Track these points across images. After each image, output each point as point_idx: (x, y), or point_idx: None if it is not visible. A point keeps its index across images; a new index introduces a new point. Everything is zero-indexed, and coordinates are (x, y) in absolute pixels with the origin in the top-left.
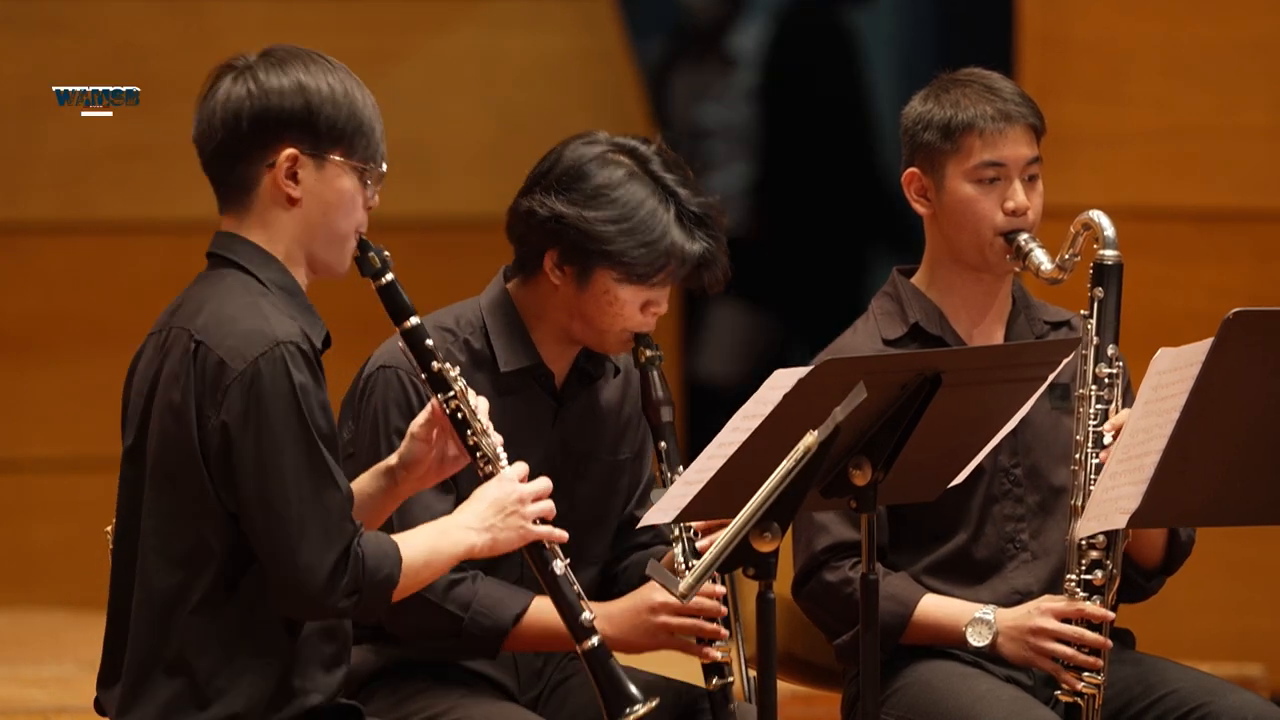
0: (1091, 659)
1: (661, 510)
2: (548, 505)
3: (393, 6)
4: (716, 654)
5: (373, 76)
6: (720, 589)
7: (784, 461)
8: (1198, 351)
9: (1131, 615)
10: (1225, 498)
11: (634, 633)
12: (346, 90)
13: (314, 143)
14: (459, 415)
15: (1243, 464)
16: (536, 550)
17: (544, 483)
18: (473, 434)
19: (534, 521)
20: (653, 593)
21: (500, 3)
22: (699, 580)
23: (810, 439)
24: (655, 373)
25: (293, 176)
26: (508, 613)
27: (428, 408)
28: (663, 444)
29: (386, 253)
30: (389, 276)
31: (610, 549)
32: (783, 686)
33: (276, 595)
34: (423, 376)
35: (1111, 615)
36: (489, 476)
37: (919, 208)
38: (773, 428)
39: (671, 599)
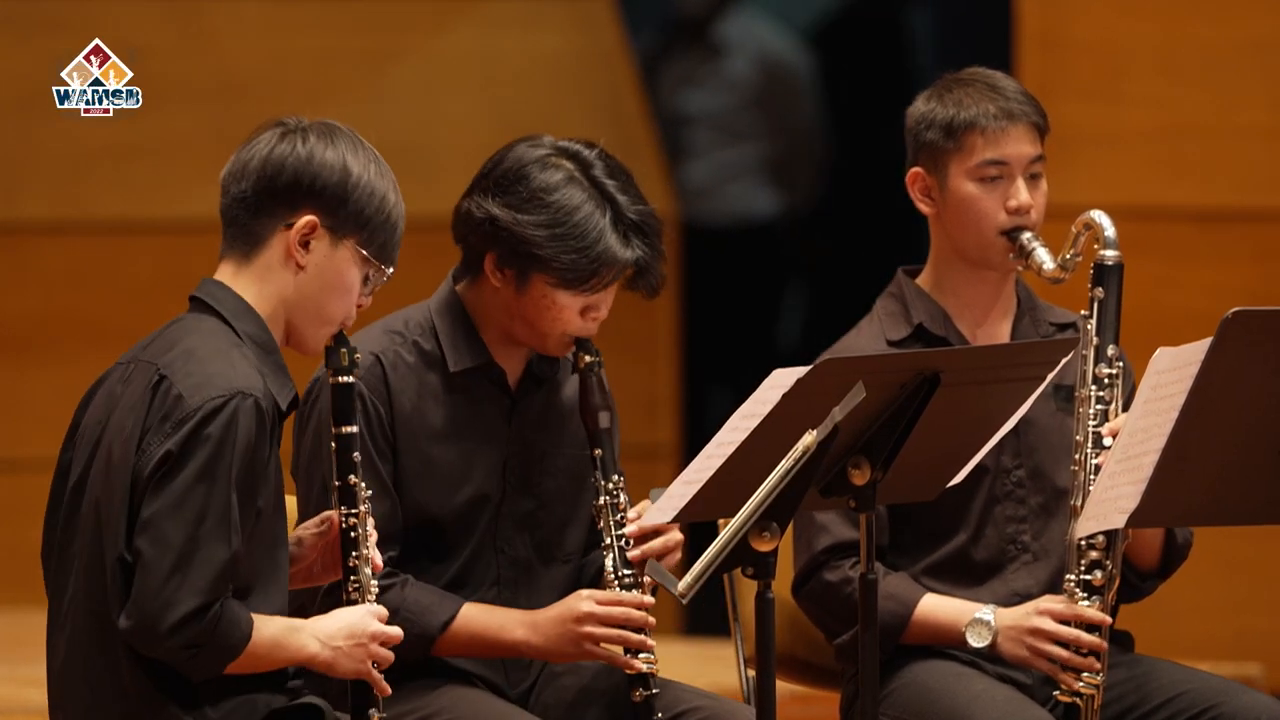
0: (1089, 660)
1: (661, 510)
2: (388, 654)
3: (391, 6)
4: (642, 665)
5: (371, 76)
6: (649, 599)
7: (783, 461)
8: (1196, 351)
9: (1130, 616)
10: (1224, 497)
11: (559, 642)
12: (384, 185)
13: (336, 220)
14: (353, 534)
15: (1241, 463)
16: (362, 688)
17: (397, 631)
18: (357, 557)
19: (373, 664)
20: (579, 602)
21: (498, 2)
22: (697, 581)
23: (809, 438)
24: (594, 378)
25: (305, 244)
26: (435, 620)
27: (321, 516)
28: (598, 451)
29: (359, 355)
30: (349, 379)
31: (585, 545)
32: (781, 686)
33: (127, 614)
34: (336, 484)
35: (1109, 620)
36: (350, 603)
37: (923, 207)
38: (772, 427)
39: (598, 609)
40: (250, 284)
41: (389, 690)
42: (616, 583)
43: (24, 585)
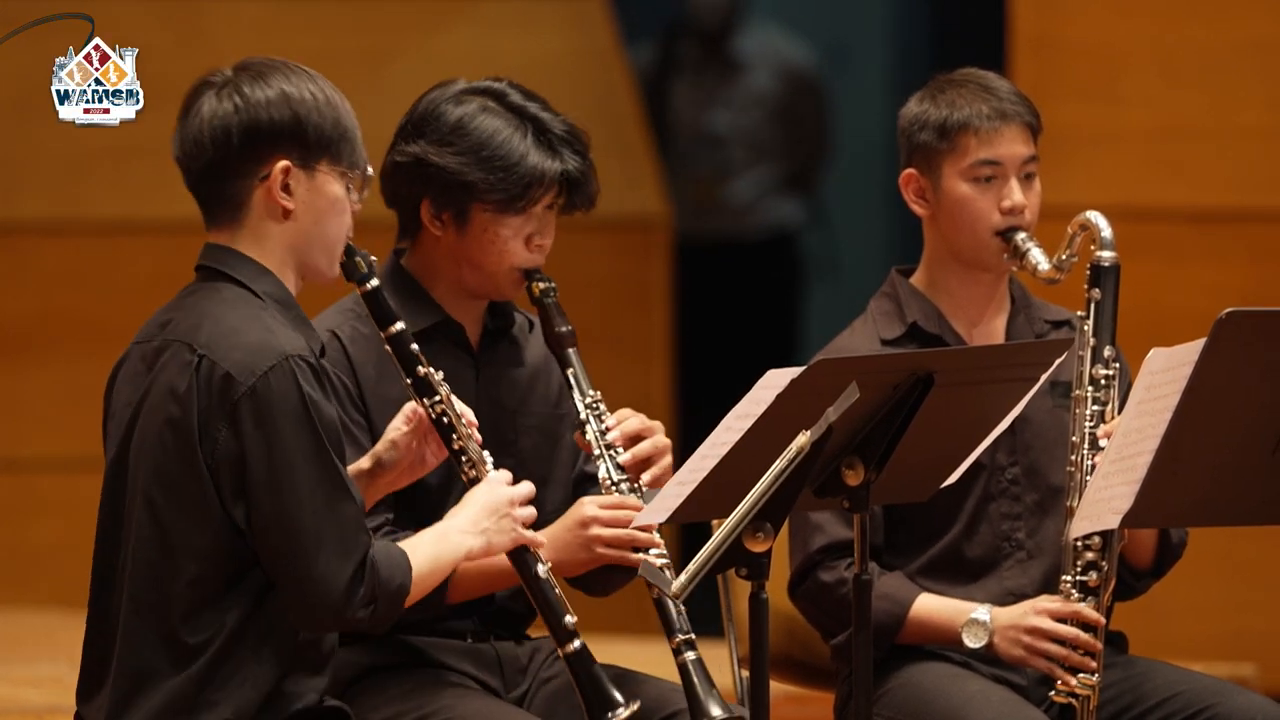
0: (1085, 659)
1: (655, 511)
2: (532, 511)
3: (387, 6)
4: (655, 560)
5: (367, 76)
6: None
7: (777, 461)
8: (1190, 352)
9: (1125, 616)
10: (1218, 498)
11: (570, 549)
12: (329, 98)
13: (304, 153)
14: (444, 420)
15: (1235, 464)
16: (522, 553)
17: (528, 487)
18: (458, 438)
19: (521, 525)
20: (582, 508)
21: (494, 3)
22: (692, 581)
23: (803, 439)
24: (552, 303)
25: (286, 188)
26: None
27: (404, 412)
28: (570, 370)
29: (373, 258)
30: (374, 282)
31: (568, 504)
32: (775, 687)
33: (294, 608)
34: (408, 381)
35: (1103, 620)
36: (473, 480)
37: (916, 208)
38: (766, 428)
39: (602, 512)
40: (251, 244)
41: (544, 541)
42: (615, 489)
43: (22, 585)
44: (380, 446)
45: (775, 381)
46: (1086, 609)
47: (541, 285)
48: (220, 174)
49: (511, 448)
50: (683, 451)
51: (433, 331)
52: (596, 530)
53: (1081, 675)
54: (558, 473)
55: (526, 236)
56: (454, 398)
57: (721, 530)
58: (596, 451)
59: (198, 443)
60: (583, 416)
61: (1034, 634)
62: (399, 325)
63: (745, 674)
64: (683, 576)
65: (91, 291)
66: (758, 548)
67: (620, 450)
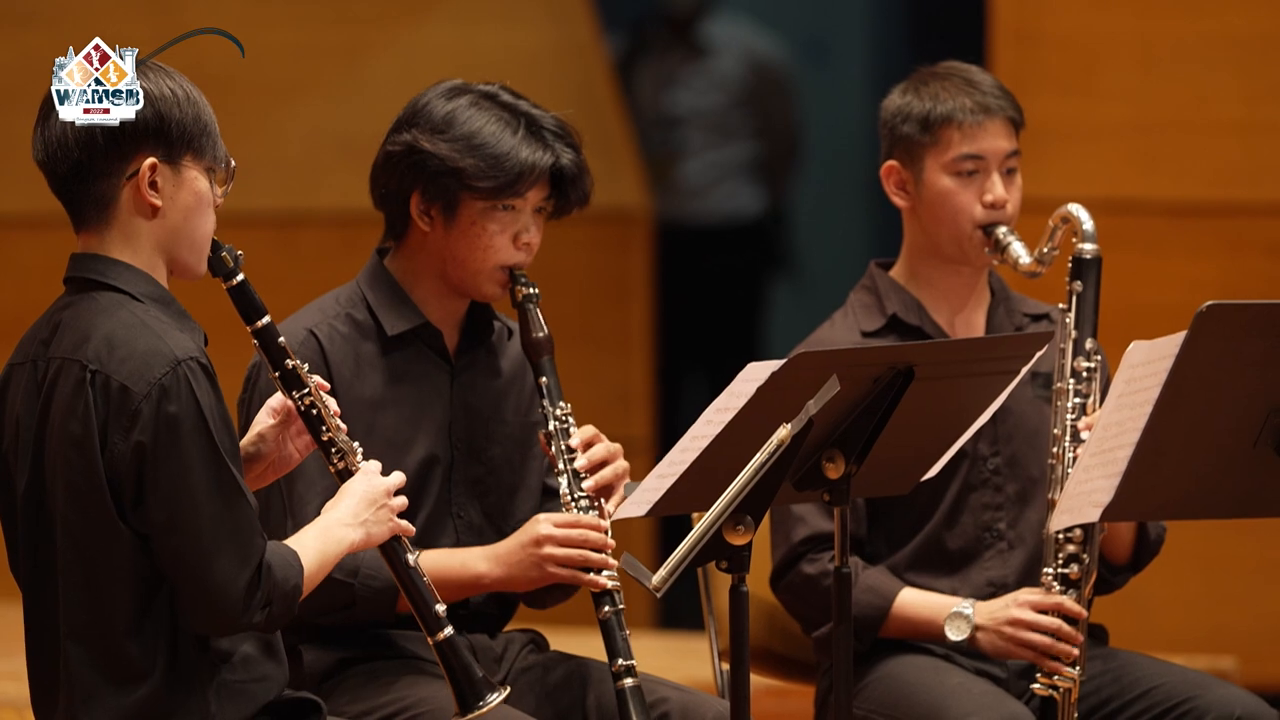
0: (1067, 648)
1: (635, 503)
2: (404, 500)
3: (366, 0)
4: (605, 582)
5: (346, 69)
6: (604, 523)
7: (757, 455)
8: (1171, 345)
9: (1105, 609)
10: (1198, 491)
11: (521, 567)
12: (188, 94)
13: (169, 149)
14: (314, 411)
15: (1216, 457)
16: (395, 543)
17: (399, 476)
18: (327, 430)
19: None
20: (536, 526)
21: None
22: (672, 574)
23: (783, 432)
24: (533, 308)
25: (153, 185)
26: None
27: (268, 406)
28: (543, 379)
29: (240, 253)
30: (240, 277)
31: (537, 512)
32: (755, 680)
33: (191, 613)
34: (275, 374)
35: (1085, 613)
36: (342, 473)
37: (898, 201)
38: (746, 421)
39: (556, 531)
40: (120, 245)
41: (413, 529)
42: (574, 505)
43: (6, 575)
44: (247, 440)
45: (755, 374)
46: (1068, 601)
47: (525, 290)
48: (87, 175)
49: (483, 455)
50: (662, 445)
51: (411, 336)
52: (549, 549)
53: (1064, 667)
54: (529, 480)
55: (514, 234)
56: (323, 392)
57: (702, 523)
58: (560, 466)
59: (99, 457)
60: (550, 428)
61: (1016, 625)
62: (266, 319)
63: (725, 667)
64: (663, 570)
65: None
66: (738, 541)
67: (585, 474)
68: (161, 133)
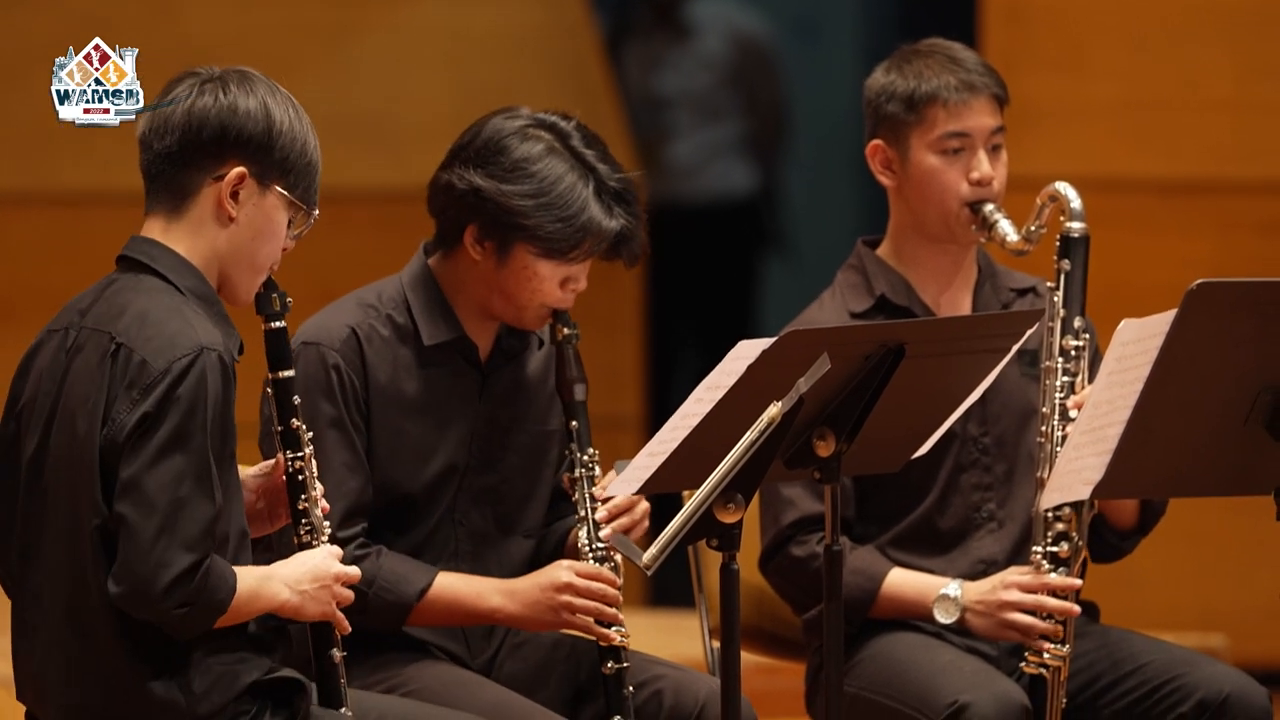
0: (1056, 628)
1: (626, 481)
2: (350, 594)
3: None
4: (616, 638)
5: (336, 49)
6: (619, 580)
7: (748, 433)
8: (1161, 323)
9: (1096, 586)
10: (1189, 469)
11: (536, 609)
12: (303, 129)
13: (264, 168)
14: (300, 477)
15: (1206, 435)
16: (323, 629)
17: (356, 572)
18: (305, 500)
19: (335, 604)
20: (559, 572)
21: None
22: (663, 552)
23: (774, 410)
24: (570, 350)
25: (234, 195)
26: (412, 588)
27: (269, 462)
28: (574, 422)
29: (289, 299)
30: (281, 324)
31: (545, 520)
32: (746, 658)
33: (116, 579)
34: (278, 429)
35: (1077, 583)
36: (303, 545)
37: (883, 180)
38: (737, 399)
39: (578, 581)
40: (183, 238)
41: (349, 628)
42: (591, 555)
43: None
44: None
45: (746, 353)
46: (1056, 578)
47: (565, 331)
48: (179, 160)
49: (498, 464)
50: (652, 424)
51: (447, 347)
52: (568, 598)
53: (1053, 646)
54: (540, 490)
55: (563, 279)
56: (314, 462)
57: (692, 501)
58: (581, 514)
59: (98, 429)
60: (576, 474)
61: (1004, 607)
62: (290, 373)
63: (716, 645)
64: (653, 548)
65: (58, 263)
66: (729, 519)
67: (600, 524)
68: (264, 149)
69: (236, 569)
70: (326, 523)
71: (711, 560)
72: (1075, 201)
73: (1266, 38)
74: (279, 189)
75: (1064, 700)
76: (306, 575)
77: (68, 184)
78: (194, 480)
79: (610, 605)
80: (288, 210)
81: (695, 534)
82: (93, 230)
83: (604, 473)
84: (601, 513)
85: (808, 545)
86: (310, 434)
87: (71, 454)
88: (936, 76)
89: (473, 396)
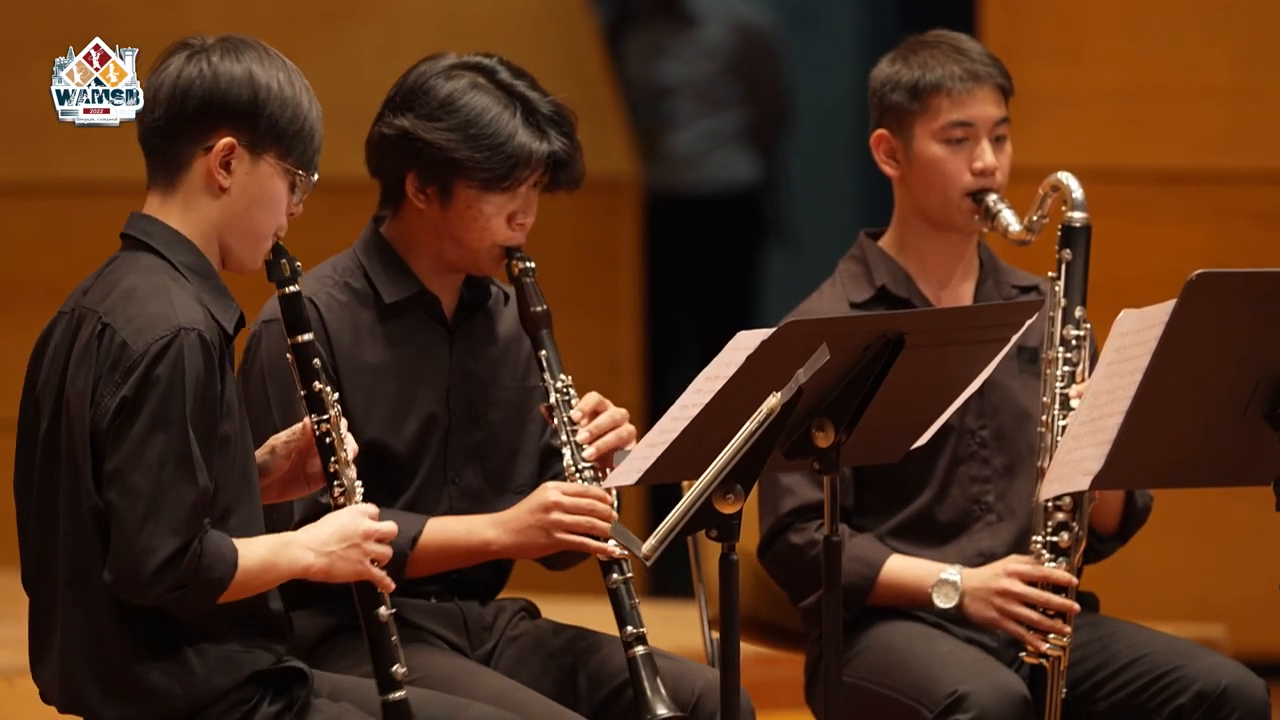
0: (1057, 623)
1: (625, 471)
2: (387, 550)
3: None
4: (614, 550)
5: (331, 36)
6: (610, 495)
7: (747, 423)
8: (1161, 313)
9: (1094, 577)
10: (1188, 459)
11: (529, 533)
12: (295, 93)
13: (253, 137)
14: (328, 440)
15: (1205, 426)
16: (368, 589)
17: (391, 526)
18: (336, 461)
19: (371, 561)
20: (545, 493)
21: None
22: (662, 543)
23: (773, 400)
24: (530, 282)
25: (225, 165)
26: (403, 538)
27: (297, 426)
28: (543, 352)
29: (299, 263)
30: (294, 288)
31: (536, 477)
32: (745, 648)
33: (109, 567)
34: (302, 394)
35: (1075, 581)
36: (339, 507)
37: (887, 169)
38: (736, 389)
39: (565, 498)
40: (178, 212)
41: (393, 585)
42: (578, 475)
43: None
44: (263, 449)
45: (745, 343)
46: (1057, 571)
47: (521, 264)
48: (168, 133)
49: (482, 420)
50: (651, 414)
51: (409, 303)
52: (557, 515)
53: (1052, 637)
54: (527, 445)
55: (509, 215)
56: (344, 423)
57: (692, 491)
58: (563, 438)
59: (88, 410)
60: (552, 401)
61: (1005, 597)
62: (308, 336)
63: (715, 635)
64: (653, 538)
65: (56, 253)
66: (728, 509)
67: (583, 445)
68: (250, 118)
69: (245, 541)
70: (359, 483)
71: (711, 551)
72: (1077, 191)
73: (1264, 27)
74: (272, 156)
75: (1064, 690)
76: (333, 536)
77: (67, 175)
78: (175, 463)
79: (603, 520)
80: (285, 177)
81: (694, 525)
82: (91, 221)
83: (580, 396)
84: (584, 432)
85: (806, 533)
86: (336, 395)
87: (70, 436)
88: (941, 66)
89: (442, 350)
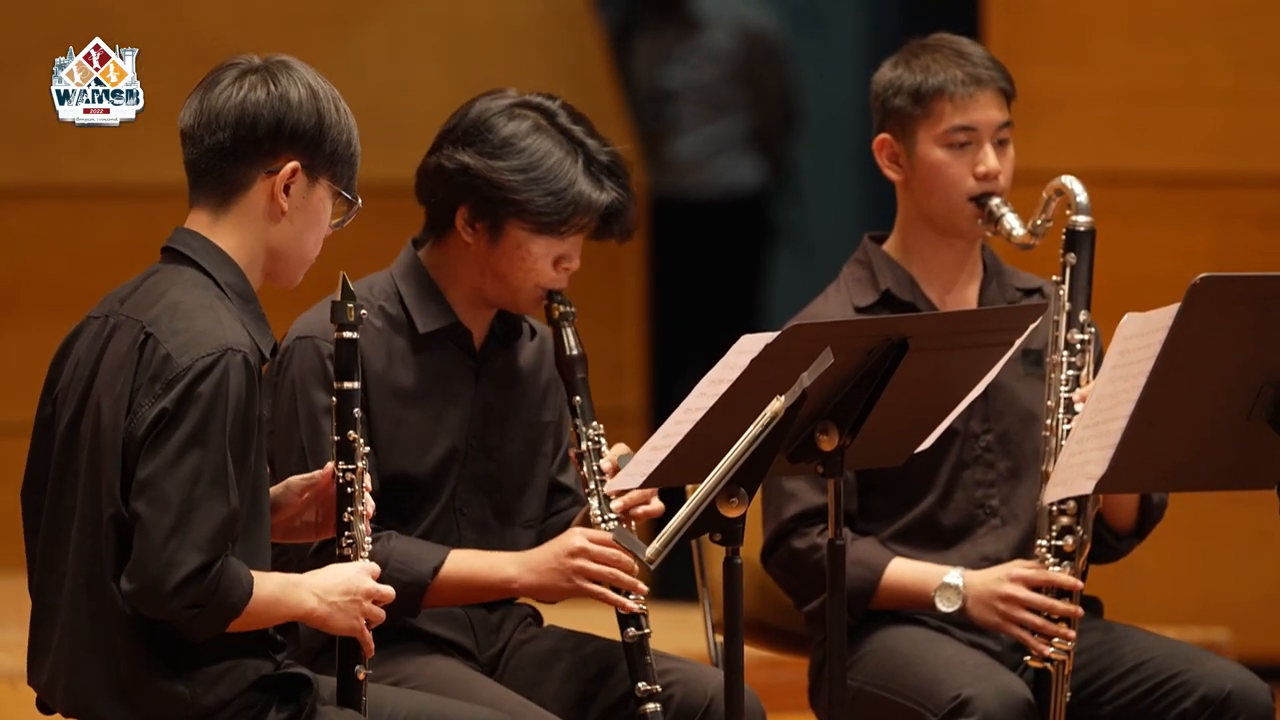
0: (1060, 627)
1: (629, 475)
2: (380, 613)
3: None
4: (634, 605)
5: (336, 40)
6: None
7: (751, 427)
8: (1164, 317)
9: (1099, 581)
10: (1192, 463)
11: (551, 576)
12: (349, 121)
13: (314, 160)
14: (349, 490)
15: (1209, 429)
16: (352, 645)
17: (390, 591)
18: (352, 513)
19: (364, 621)
20: (573, 538)
21: None
22: (666, 546)
23: (777, 404)
24: (569, 329)
25: (286, 189)
26: (425, 567)
27: (317, 472)
28: (576, 398)
29: (364, 312)
30: (353, 334)
31: (544, 511)
32: (749, 652)
33: (129, 576)
34: (335, 439)
35: (1080, 585)
36: (342, 558)
37: (890, 174)
38: (740, 393)
39: (591, 546)
40: (229, 232)
41: (373, 651)
42: (602, 525)
43: None
44: (278, 486)
45: (749, 346)
46: (1061, 575)
47: (561, 308)
48: (231, 155)
49: (495, 453)
50: (656, 418)
51: (442, 334)
52: (583, 562)
53: (1056, 641)
54: (537, 480)
55: (556, 258)
56: (368, 477)
57: (696, 495)
58: (590, 487)
59: (123, 419)
60: (582, 449)
61: (1009, 602)
62: (355, 385)
63: (719, 639)
64: (657, 542)
65: (61, 257)
66: (732, 513)
67: (614, 497)
68: (315, 143)
69: (259, 575)
70: (369, 539)
71: (715, 554)
72: (1081, 195)
73: (1267, 31)
74: (327, 181)
75: (1068, 694)
76: (338, 586)
77: (69, 178)
78: (210, 480)
79: (626, 573)
80: (332, 201)
81: (699, 528)
82: (94, 224)
83: (609, 446)
84: (616, 503)
85: (809, 537)
86: (367, 449)
87: (96, 440)
88: (943, 70)
89: (468, 382)
